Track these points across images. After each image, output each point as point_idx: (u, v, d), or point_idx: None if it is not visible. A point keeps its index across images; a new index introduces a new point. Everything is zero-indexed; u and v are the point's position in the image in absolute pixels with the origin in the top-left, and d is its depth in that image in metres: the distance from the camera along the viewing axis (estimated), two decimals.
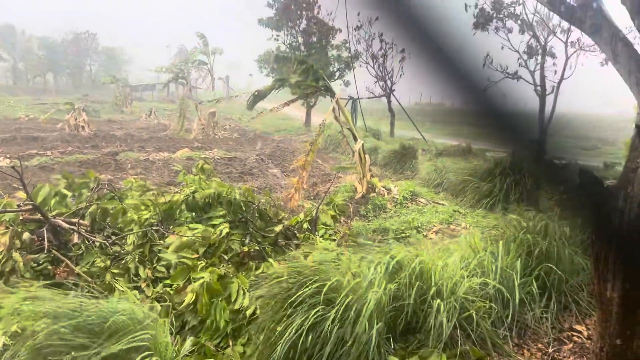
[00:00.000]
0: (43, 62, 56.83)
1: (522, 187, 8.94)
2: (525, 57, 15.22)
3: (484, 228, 6.09)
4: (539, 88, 15.13)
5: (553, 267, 4.64)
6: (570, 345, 4.12)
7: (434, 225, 7.70)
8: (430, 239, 6.94)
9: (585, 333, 4.26)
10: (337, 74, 23.82)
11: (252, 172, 12.64)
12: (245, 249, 5.50)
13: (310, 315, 3.52)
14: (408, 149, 13.79)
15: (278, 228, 6.11)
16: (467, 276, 4.21)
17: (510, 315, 4.23)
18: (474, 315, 3.89)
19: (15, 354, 3.31)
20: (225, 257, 5.32)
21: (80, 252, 5.32)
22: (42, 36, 58.14)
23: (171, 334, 3.72)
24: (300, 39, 24.10)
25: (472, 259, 4.58)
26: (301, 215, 6.77)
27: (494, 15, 15.12)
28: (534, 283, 4.48)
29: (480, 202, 9.13)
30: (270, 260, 5.33)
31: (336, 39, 23.93)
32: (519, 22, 14.74)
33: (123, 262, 5.16)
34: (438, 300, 3.81)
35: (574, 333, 4.28)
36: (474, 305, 3.95)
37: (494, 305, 4.10)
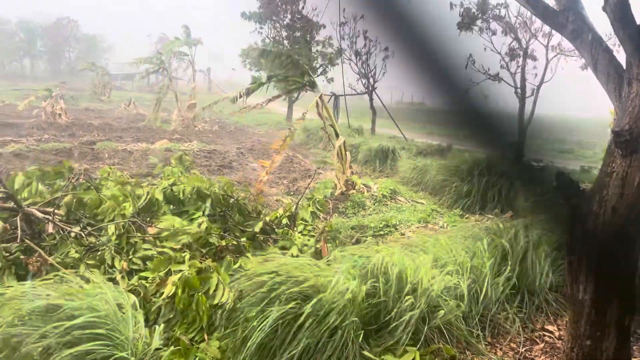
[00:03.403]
0: (20, 46, 55.47)
1: (499, 188, 9.06)
2: (507, 59, 15.39)
3: (461, 228, 6.16)
4: (519, 90, 15.31)
5: (526, 268, 4.72)
6: (542, 345, 4.19)
7: (412, 224, 7.76)
8: (408, 237, 6.99)
9: (557, 333, 4.34)
10: (320, 70, 23.77)
11: (232, 165, 12.55)
12: (223, 243, 5.45)
13: (284, 311, 3.52)
14: (388, 147, 13.85)
15: (257, 224, 6.08)
16: (442, 275, 4.25)
17: (483, 315, 4.29)
18: (447, 313, 3.93)
19: None
20: (203, 250, 5.27)
21: (55, 242, 5.21)
22: (20, 20, 56.73)
23: (145, 327, 3.67)
24: (284, 34, 23.98)
25: (448, 258, 4.63)
26: (280, 211, 6.75)
27: (479, 15, 15.25)
28: (508, 284, 4.55)
29: (458, 202, 9.23)
30: (248, 254, 5.29)
31: (320, 35, 23.88)
32: (502, 24, 14.89)
33: (99, 253, 5.07)
34: (412, 298, 3.83)
35: (546, 333, 4.36)
36: (448, 303, 3.99)
37: (467, 304, 4.15)
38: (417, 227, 7.63)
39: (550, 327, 4.43)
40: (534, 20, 14.05)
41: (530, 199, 8.34)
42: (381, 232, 7.25)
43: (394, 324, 3.73)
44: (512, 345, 4.16)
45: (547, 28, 13.88)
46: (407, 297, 3.83)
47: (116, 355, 3.11)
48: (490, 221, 5.69)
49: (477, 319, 4.22)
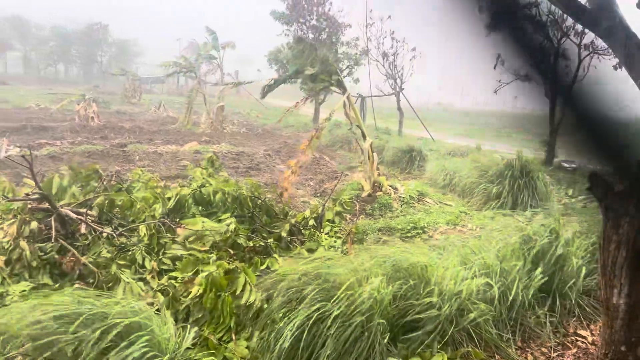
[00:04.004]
0: (55, 51, 57.15)
1: (531, 189, 8.89)
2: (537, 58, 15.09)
3: (490, 230, 6.06)
4: (550, 90, 15.00)
5: (558, 271, 4.62)
6: (574, 350, 4.09)
7: (440, 226, 7.68)
8: (436, 239, 6.92)
9: (590, 338, 4.24)
10: (346, 71, 23.76)
11: (259, 167, 12.65)
12: (251, 244, 5.51)
13: (312, 312, 3.52)
14: (416, 148, 13.75)
15: (285, 226, 6.12)
16: (471, 277, 4.19)
17: (513, 318, 4.22)
18: (476, 316, 3.88)
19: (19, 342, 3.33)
20: (231, 251, 5.33)
21: (87, 242, 5.34)
22: (54, 24, 58.44)
23: (174, 325, 3.73)
24: (311, 35, 24.06)
25: (476, 260, 4.56)
26: (307, 212, 6.77)
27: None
28: (539, 286, 4.46)
29: (487, 204, 9.10)
30: (275, 255, 5.33)
31: (346, 36, 23.88)
32: (532, 23, 14.62)
33: (129, 253, 5.18)
34: (440, 301, 3.80)
35: (578, 338, 4.26)
36: (477, 306, 3.94)
37: (497, 307, 4.08)
38: (446, 229, 7.54)
39: (583, 332, 4.33)
40: (566, 18, 13.74)
41: (562, 200, 8.14)
42: (409, 234, 7.20)
43: (421, 326, 3.70)
44: (543, 350, 4.08)
45: (579, 26, 13.56)
46: (434, 299, 3.79)
47: (149, 355, 3.16)
48: (521, 223, 5.58)
49: (507, 323, 4.15)
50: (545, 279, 4.52)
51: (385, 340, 3.56)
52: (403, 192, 9.54)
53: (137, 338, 3.17)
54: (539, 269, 4.57)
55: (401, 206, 8.94)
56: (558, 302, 4.49)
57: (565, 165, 13.50)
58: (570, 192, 10.59)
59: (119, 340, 3.14)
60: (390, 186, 9.61)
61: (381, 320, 3.58)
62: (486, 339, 3.92)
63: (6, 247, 5.00)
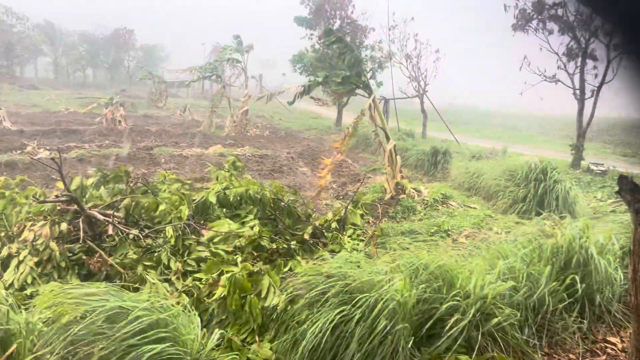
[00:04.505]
0: (83, 57, 58.46)
1: (558, 192, 8.72)
2: (564, 59, 14.81)
3: (516, 234, 5.96)
4: (577, 92, 14.70)
5: (587, 276, 4.52)
6: (604, 357, 4.00)
7: (465, 229, 7.59)
8: (461, 242, 6.84)
9: (620, 345, 4.13)
10: (370, 73, 23.71)
11: (282, 169, 12.72)
12: (274, 246, 5.53)
13: (334, 314, 3.52)
14: (440, 151, 13.63)
15: (308, 228, 6.13)
16: (496, 281, 4.13)
17: (540, 324, 4.14)
18: (502, 321, 3.82)
19: (48, 340, 3.41)
20: (255, 253, 5.37)
21: (114, 243, 5.44)
22: (82, 30, 59.81)
23: (199, 326, 3.77)
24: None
25: (502, 264, 4.50)
26: (330, 215, 6.77)
27: (534, 16, 14.78)
28: (566, 292, 4.37)
29: (513, 207, 8.96)
30: (298, 258, 5.34)
31: (369, 39, 23.83)
32: (559, 23, 14.35)
33: (155, 254, 5.26)
34: (464, 304, 3.75)
35: (608, 345, 4.16)
36: (502, 311, 3.88)
37: (523, 312, 4.02)
38: (470, 233, 7.45)
39: (612, 339, 4.22)
40: (594, 18, 13.44)
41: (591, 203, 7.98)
42: (432, 238, 7.14)
43: (445, 330, 3.66)
44: (571, 356, 3.99)
45: (608, 26, 13.25)
46: (459, 303, 3.75)
47: (173, 353, 3.21)
48: (548, 227, 5.47)
49: (533, 328, 4.07)
50: (573, 284, 4.42)
51: (410, 345, 3.53)
52: (427, 194, 9.46)
53: (163, 335, 3.22)
54: (567, 274, 4.48)
55: (425, 209, 8.87)
56: (587, 308, 4.39)
57: (594, 168, 13.21)
58: (599, 195, 10.36)
59: (145, 337, 3.19)
60: (413, 189, 9.54)
61: (405, 325, 3.56)
62: (512, 344, 3.86)
63: (37, 247, 5.14)
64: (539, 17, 14.74)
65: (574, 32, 14.29)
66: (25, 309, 3.66)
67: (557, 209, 8.48)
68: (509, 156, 14.02)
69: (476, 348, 3.68)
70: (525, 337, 3.97)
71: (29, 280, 4.89)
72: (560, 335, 4.17)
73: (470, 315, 3.70)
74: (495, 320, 3.80)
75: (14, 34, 43.75)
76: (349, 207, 6.89)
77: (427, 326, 3.77)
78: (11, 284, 4.71)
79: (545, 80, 15.45)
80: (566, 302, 4.36)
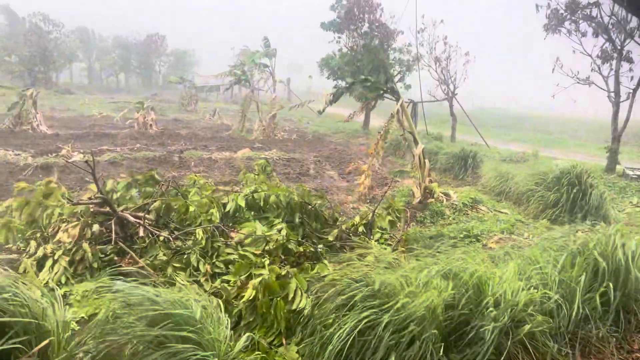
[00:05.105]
0: (116, 62, 59.96)
1: (591, 197, 8.51)
2: (598, 61, 14.45)
3: (548, 239, 5.83)
4: (612, 94, 14.31)
5: (622, 283, 4.38)
6: None
7: (495, 234, 7.47)
8: (490, 248, 6.74)
9: None
10: (398, 76, 23.59)
11: (309, 173, 12.75)
12: (301, 249, 5.55)
13: (362, 319, 3.51)
14: (469, 154, 13.45)
15: (335, 232, 6.13)
16: (527, 288, 4.04)
17: (573, 332, 4.03)
18: (533, 328, 3.74)
19: (82, 340, 3.50)
20: (282, 256, 5.40)
21: (145, 245, 5.55)
22: (115, 35, 61.36)
23: (228, 327, 3.80)
24: (362, 42, 24.06)
25: (533, 270, 4.40)
26: (357, 218, 6.76)
27: (568, 16, 14.48)
28: (600, 300, 4.24)
29: (544, 212, 8.78)
30: (325, 261, 5.35)
31: (397, 42, 23.71)
32: (593, 24, 14.02)
33: (184, 256, 5.34)
34: (495, 311, 3.69)
35: None
36: (534, 318, 3.80)
37: (554, 319, 3.92)
38: (500, 238, 7.33)
39: None
40: (630, 19, 13.08)
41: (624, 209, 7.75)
42: (461, 243, 7.05)
43: (475, 337, 3.60)
44: None
45: None
46: (489, 309, 3.69)
47: (202, 357, 3.25)
48: (581, 232, 5.34)
49: (565, 336, 3.97)
50: (607, 291, 4.30)
51: (441, 353, 3.48)
52: (456, 199, 9.35)
53: (191, 336, 3.27)
54: (600, 281, 4.35)
55: (454, 213, 8.77)
56: (622, 317, 4.26)
57: (630, 172, 12.84)
58: (634, 200, 10.06)
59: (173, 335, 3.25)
60: (442, 193, 9.45)
61: (434, 331, 3.52)
62: (543, 352, 3.77)
63: (70, 248, 5.28)
64: (572, 17, 14.43)
65: (609, 34, 13.94)
66: (62, 307, 3.75)
67: (590, 215, 8.28)
68: (541, 160, 13.76)
69: (505, 355, 3.61)
70: (557, 346, 3.87)
71: (63, 280, 5.03)
72: (594, 344, 4.05)
73: (500, 322, 3.63)
74: (527, 327, 3.72)
75: (51, 41, 45.13)
76: (376, 211, 6.86)
77: (456, 332, 3.72)
78: (46, 283, 4.85)
79: (578, 82, 15.12)
80: (600, 311, 4.24)
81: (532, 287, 4.11)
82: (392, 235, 7.00)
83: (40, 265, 5.16)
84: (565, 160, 13.08)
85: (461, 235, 7.27)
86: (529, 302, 3.89)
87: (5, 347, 3.03)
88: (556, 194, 8.88)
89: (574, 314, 4.05)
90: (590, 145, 21.30)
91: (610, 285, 4.30)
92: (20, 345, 3.13)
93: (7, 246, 5.72)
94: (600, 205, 8.49)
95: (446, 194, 9.50)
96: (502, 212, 9.07)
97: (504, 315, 3.67)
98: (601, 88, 14.52)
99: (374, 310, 3.62)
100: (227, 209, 6.37)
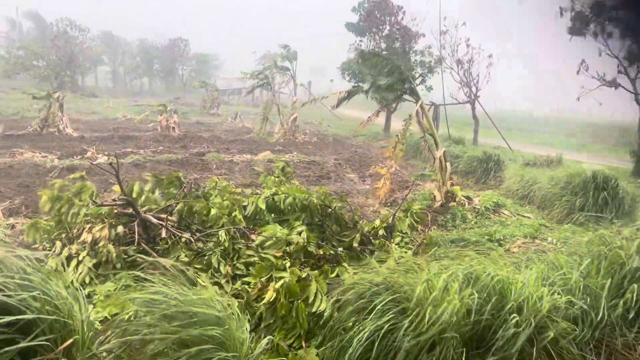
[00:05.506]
0: (139, 66, 60.93)
1: (618, 202, 8.32)
2: (625, 63, 14.15)
3: (572, 244, 5.72)
4: (639, 97, 14.00)
5: None
6: None
7: (518, 239, 7.36)
8: (513, 252, 6.64)
9: None
10: (420, 79, 23.45)
11: (330, 176, 12.74)
12: (321, 252, 5.55)
13: (383, 322, 3.49)
14: (492, 157, 13.29)
15: (355, 235, 6.12)
16: (551, 294, 3.97)
17: (598, 339, 3.95)
18: (557, 335, 3.67)
19: (105, 338, 3.56)
20: (302, 259, 5.40)
21: (167, 246, 5.61)
22: (139, 39, 62.38)
23: (248, 330, 3.82)
24: (383, 45, 24.01)
25: (557, 276, 4.32)
26: (377, 222, 6.73)
27: (592, 18, 14.22)
28: (626, 307, 4.14)
29: (569, 217, 8.62)
30: (345, 264, 5.33)
31: (419, 44, 23.60)
32: (620, 26, 13.75)
33: (206, 258, 5.38)
34: (518, 317, 3.63)
35: None
36: (558, 324, 3.72)
37: (579, 326, 3.84)
38: (524, 243, 7.22)
39: None
40: None
41: None
42: (483, 247, 6.96)
43: (497, 343, 3.55)
44: None
45: None
46: (512, 315, 3.63)
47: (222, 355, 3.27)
48: (607, 237, 5.22)
49: (590, 343, 3.89)
50: (635, 298, 4.19)
51: (463, 359, 3.44)
52: (478, 202, 9.24)
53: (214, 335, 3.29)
54: (627, 288, 4.25)
55: (476, 217, 8.67)
56: None
57: None
58: None
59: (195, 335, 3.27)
60: (464, 196, 9.35)
61: (454, 334, 3.48)
62: None
63: (95, 249, 5.38)
64: (598, 19, 14.17)
65: (636, 35, 13.64)
66: (86, 307, 3.82)
67: (617, 219, 8.10)
68: (565, 163, 13.52)
69: None
70: (581, 353, 3.79)
71: (87, 280, 5.12)
72: (620, 352, 3.96)
73: (524, 329, 3.57)
74: (550, 334, 3.65)
75: (77, 45, 46.12)
76: (397, 214, 6.83)
77: (477, 338, 3.67)
78: (70, 283, 4.94)
79: (604, 85, 14.83)
80: (627, 318, 4.14)
81: (556, 293, 4.04)
82: (413, 239, 6.96)
83: (65, 265, 5.25)
84: (591, 163, 12.82)
85: (483, 240, 7.18)
86: (552, 308, 3.82)
87: (31, 343, 3.09)
88: (582, 198, 8.71)
89: (598, 320, 3.97)
90: (616, 148, 20.84)
91: (636, 291, 4.20)
92: (46, 342, 3.19)
93: (33, 246, 5.85)
94: (627, 210, 8.29)
95: (468, 198, 9.40)
96: (525, 216, 8.93)
97: (528, 321, 3.61)
98: (628, 90, 14.22)
99: (394, 314, 3.60)
100: (247, 212, 6.40)
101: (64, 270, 5.14)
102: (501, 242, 7.23)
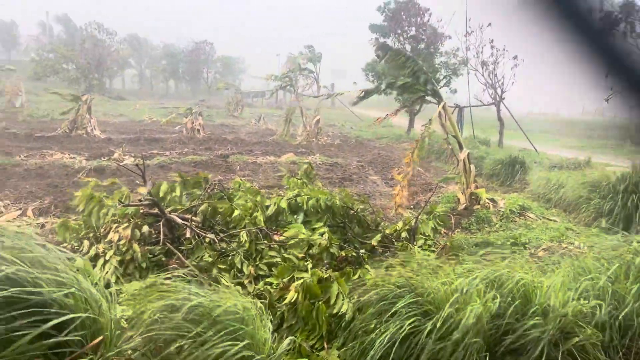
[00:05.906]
0: (165, 69, 61.96)
1: None
2: None
3: (600, 248, 5.60)
4: None
5: None
6: None
7: (543, 243, 7.24)
8: (539, 256, 6.53)
9: None
10: (444, 81, 23.26)
11: (352, 178, 12.74)
12: (343, 253, 5.55)
13: (405, 326, 3.48)
14: (517, 160, 13.10)
15: (377, 237, 6.11)
16: (578, 299, 3.90)
17: (627, 346, 3.86)
18: (583, 340, 3.60)
19: (129, 337, 3.62)
20: (324, 260, 5.42)
21: (191, 246, 5.69)
22: (165, 43, 63.43)
23: (270, 330, 3.85)
24: (408, 46, 23.89)
25: (584, 280, 4.24)
26: (400, 224, 6.70)
27: (622, 18, 13.88)
28: None
29: (597, 221, 8.43)
30: (367, 266, 5.33)
31: (444, 46, 23.45)
32: None
33: (229, 258, 5.44)
34: (543, 322, 3.57)
35: None
36: (584, 330, 3.65)
37: (607, 332, 3.76)
38: (549, 247, 7.09)
39: None
40: None
41: None
42: (508, 250, 6.86)
43: (522, 347, 3.50)
44: None
45: None
46: (536, 319, 3.58)
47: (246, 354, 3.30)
48: (637, 242, 5.09)
49: (619, 350, 3.81)
50: None
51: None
52: (503, 205, 9.12)
53: (239, 334, 3.32)
54: None
55: (500, 220, 8.55)
56: None
57: None
58: None
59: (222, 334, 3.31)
60: (488, 199, 9.23)
61: (477, 339, 3.45)
62: None
63: (121, 248, 5.48)
64: (627, 19, 13.84)
65: None
66: (114, 305, 3.90)
67: None
68: (593, 166, 13.24)
69: None
70: (609, 359, 3.72)
71: (113, 279, 5.22)
72: None
73: (549, 333, 3.51)
74: (576, 339, 3.59)
75: (105, 49, 47.16)
76: (419, 216, 6.79)
77: (501, 342, 3.63)
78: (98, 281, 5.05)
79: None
80: None
81: (583, 298, 3.96)
82: (436, 241, 6.91)
83: (92, 264, 5.37)
84: (619, 166, 12.53)
85: (508, 243, 7.08)
86: (579, 313, 3.75)
87: (65, 338, 3.16)
88: (610, 201, 8.52)
89: (628, 327, 3.88)
90: None
91: None
92: (76, 337, 3.26)
93: (63, 245, 6.00)
94: None
95: (492, 201, 9.28)
96: (551, 220, 8.78)
97: (553, 326, 3.56)
98: None
99: (416, 317, 3.59)
100: (269, 212, 6.44)
101: (92, 269, 5.26)
102: (526, 245, 7.12)
